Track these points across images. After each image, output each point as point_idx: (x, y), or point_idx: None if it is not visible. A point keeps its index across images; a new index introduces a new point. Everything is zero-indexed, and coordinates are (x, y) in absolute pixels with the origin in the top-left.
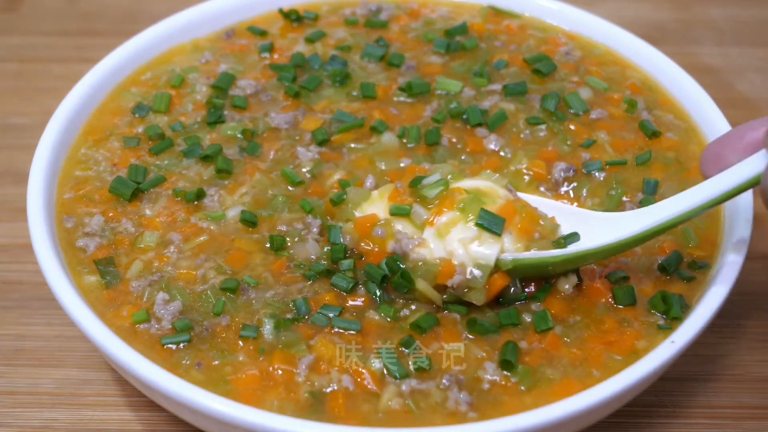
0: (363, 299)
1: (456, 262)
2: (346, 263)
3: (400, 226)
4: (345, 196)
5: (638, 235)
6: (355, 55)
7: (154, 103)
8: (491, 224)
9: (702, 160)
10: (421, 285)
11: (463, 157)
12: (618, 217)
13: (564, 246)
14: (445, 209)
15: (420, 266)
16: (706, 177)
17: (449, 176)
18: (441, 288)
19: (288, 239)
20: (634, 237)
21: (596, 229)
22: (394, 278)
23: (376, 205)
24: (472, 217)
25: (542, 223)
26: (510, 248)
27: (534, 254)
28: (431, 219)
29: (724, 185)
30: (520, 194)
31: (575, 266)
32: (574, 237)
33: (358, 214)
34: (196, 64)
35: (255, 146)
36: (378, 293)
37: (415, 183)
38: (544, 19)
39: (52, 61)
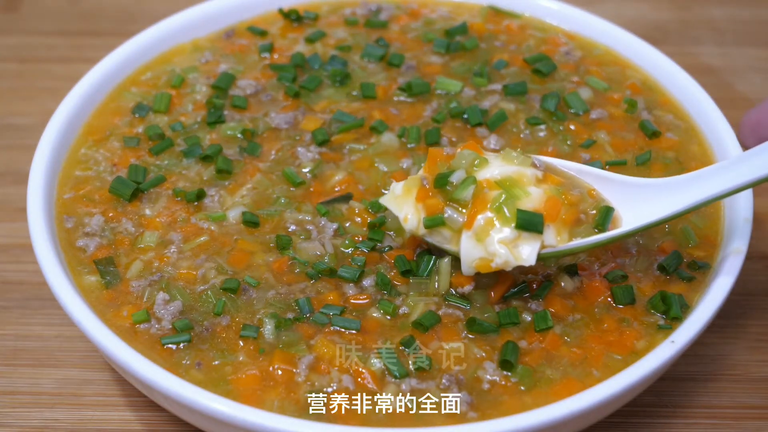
0: (366, 297)
1: (500, 262)
2: (359, 259)
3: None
4: (386, 221)
5: (685, 209)
6: (355, 55)
7: (154, 103)
8: (530, 225)
9: (741, 128)
10: (444, 268)
11: None
12: (660, 184)
13: (604, 229)
14: (477, 209)
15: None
16: (744, 146)
17: (476, 161)
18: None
19: (293, 239)
20: (679, 212)
21: (634, 197)
22: (423, 253)
23: (406, 203)
24: (509, 215)
25: (588, 202)
26: (552, 240)
27: (575, 244)
28: (467, 221)
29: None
30: (547, 159)
31: (614, 242)
32: (609, 215)
33: (389, 206)
34: (196, 64)
35: (255, 146)
36: (386, 283)
37: (441, 182)
38: (544, 19)
39: (52, 61)
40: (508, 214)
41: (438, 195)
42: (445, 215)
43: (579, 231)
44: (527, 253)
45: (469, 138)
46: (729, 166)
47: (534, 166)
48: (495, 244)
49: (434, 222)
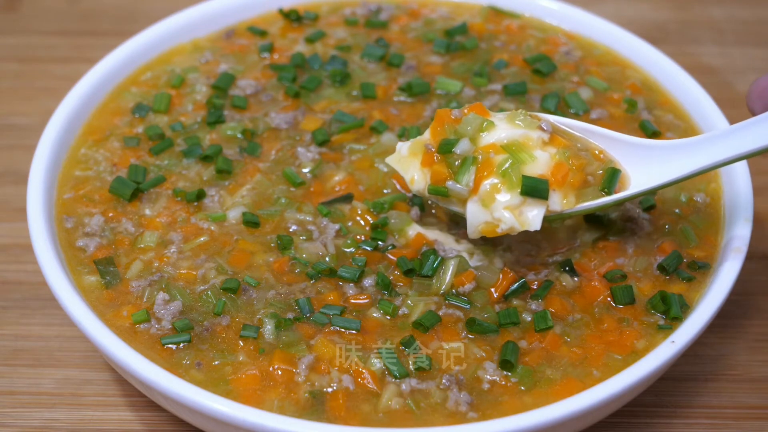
0: (366, 297)
1: (505, 227)
2: (360, 259)
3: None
4: (389, 222)
5: (695, 172)
6: (355, 55)
7: (154, 103)
8: (536, 191)
9: (748, 94)
10: (450, 268)
11: None
12: (670, 146)
13: (611, 191)
14: (485, 173)
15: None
16: (752, 111)
17: (483, 124)
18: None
19: (293, 239)
20: (689, 175)
21: (643, 159)
22: (429, 252)
23: (412, 165)
24: (515, 180)
25: (595, 164)
26: (558, 205)
27: (581, 207)
28: (473, 186)
29: None
30: (554, 119)
31: (622, 204)
32: (615, 176)
33: (395, 167)
34: (196, 64)
35: (255, 146)
36: (386, 283)
37: (446, 148)
38: (544, 19)
39: (52, 61)
40: (514, 179)
41: (443, 162)
42: (449, 188)
43: (586, 193)
44: (532, 218)
45: None
46: (739, 130)
47: (541, 128)
48: (500, 210)
49: (437, 192)
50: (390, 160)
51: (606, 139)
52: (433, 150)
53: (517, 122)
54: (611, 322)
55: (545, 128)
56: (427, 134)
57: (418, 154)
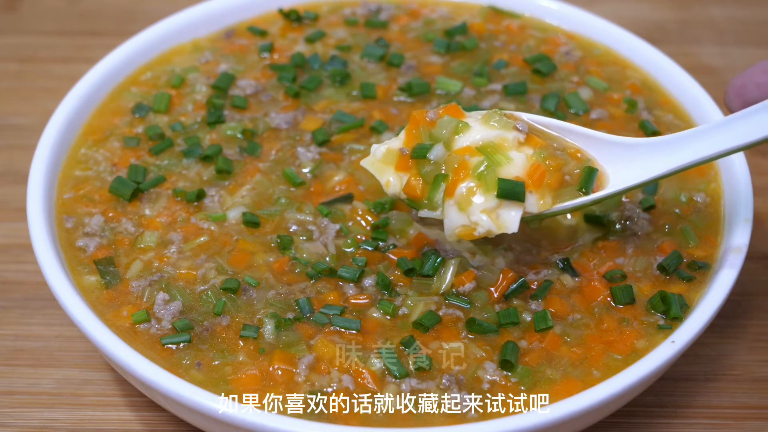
0: (366, 297)
1: (482, 231)
2: (360, 259)
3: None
4: (389, 222)
5: (671, 171)
6: (355, 55)
7: (154, 103)
8: (512, 194)
9: (726, 94)
10: (450, 268)
11: None
12: (647, 144)
13: (588, 191)
14: (461, 174)
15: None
16: (730, 110)
17: (459, 126)
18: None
19: (294, 239)
20: (665, 174)
21: (620, 157)
22: (430, 252)
23: (387, 169)
24: (490, 183)
25: (572, 163)
26: (534, 207)
27: (558, 207)
28: (449, 190)
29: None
30: (530, 118)
31: (599, 203)
32: (593, 176)
33: (369, 170)
34: (196, 64)
35: (255, 146)
36: (386, 283)
37: (419, 153)
38: (544, 19)
39: (52, 61)
40: (489, 182)
41: (415, 168)
42: (422, 216)
43: (563, 193)
44: (509, 220)
45: None
46: (717, 128)
47: (516, 129)
48: (477, 213)
49: (414, 204)
50: (365, 163)
51: (583, 138)
52: (407, 153)
53: (492, 123)
54: (611, 322)
55: (521, 128)
56: (402, 136)
57: (393, 161)
